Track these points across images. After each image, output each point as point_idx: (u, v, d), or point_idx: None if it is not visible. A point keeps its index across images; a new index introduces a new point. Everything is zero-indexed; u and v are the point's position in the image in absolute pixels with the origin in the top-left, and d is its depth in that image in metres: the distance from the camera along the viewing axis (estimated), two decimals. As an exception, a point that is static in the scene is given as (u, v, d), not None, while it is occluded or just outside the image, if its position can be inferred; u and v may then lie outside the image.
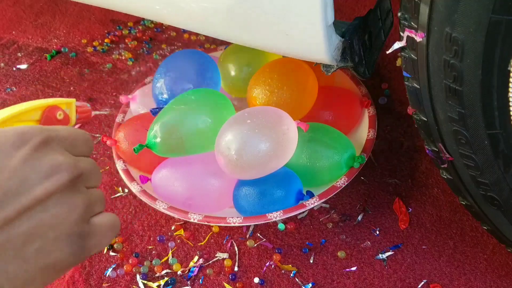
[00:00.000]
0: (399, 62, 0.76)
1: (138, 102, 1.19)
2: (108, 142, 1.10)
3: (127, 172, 1.09)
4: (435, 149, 0.82)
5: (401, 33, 0.72)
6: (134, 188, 1.06)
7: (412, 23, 0.69)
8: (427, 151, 0.85)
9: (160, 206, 1.03)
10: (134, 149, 0.99)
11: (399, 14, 0.72)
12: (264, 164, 0.97)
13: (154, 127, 1.00)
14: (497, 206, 0.83)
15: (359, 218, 1.06)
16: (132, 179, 1.08)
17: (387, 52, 0.77)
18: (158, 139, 0.99)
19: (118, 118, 1.21)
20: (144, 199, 1.05)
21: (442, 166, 0.84)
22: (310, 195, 1.02)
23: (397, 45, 0.74)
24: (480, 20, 0.63)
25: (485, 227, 0.91)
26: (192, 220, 1.01)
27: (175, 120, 1.00)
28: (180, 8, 0.84)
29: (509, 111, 0.70)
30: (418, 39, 0.70)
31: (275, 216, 0.99)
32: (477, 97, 0.69)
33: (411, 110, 0.81)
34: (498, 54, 0.65)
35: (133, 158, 1.09)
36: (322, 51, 0.78)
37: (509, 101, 0.69)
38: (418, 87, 0.76)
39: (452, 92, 0.70)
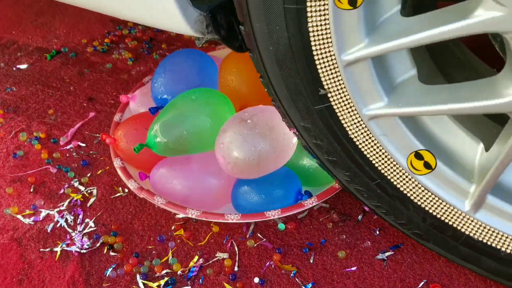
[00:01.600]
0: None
1: (137, 102, 1.19)
2: (107, 140, 1.10)
3: (124, 170, 1.09)
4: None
5: (289, 129, 0.88)
6: (132, 185, 1.06)
7: (288, 123, 0.87)
8: (365, 208, 0.98)
9: (158, 201, 1.02)
10: (134, 149, 0.99)
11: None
12: (264, 164, 0.97)
13: (154, 126, 1.00)
14: (426, 240, 0.90)
15: (359, 218, 1.06)
16: (129, 176, 1.08)
17: (292, 145, 0.99)
18: (158, 139, 0.99)
19: (116, 117, 1.21)
20: (143, 195, 1.04)
21: (376, 217, 0.98)
22: (309, 195, 1.02)
23: (295, 140, 0.97)
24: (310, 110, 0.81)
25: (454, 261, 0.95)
26: (190, 216, 1.00)
27: (176, 120, 0.99)
28: None
29: (374, 166, 0.84)
30: (295, 133, 0.87)
31: (273, 214, 0.99)
32: (347, 162, 0.85)
33: None
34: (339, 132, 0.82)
35: (132, 157, 1.09)
36: (180, 22, 0.79)
37: (366, 162, 0.84)
38: (319, 161, 0.91)
39: (333, 162, 0.86)
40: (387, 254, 1.00)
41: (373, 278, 0.97)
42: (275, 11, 0.70)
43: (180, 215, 1.08)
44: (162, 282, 0.99)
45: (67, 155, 1.23)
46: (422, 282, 0.96)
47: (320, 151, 0.85)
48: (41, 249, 1.05)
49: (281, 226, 1.04)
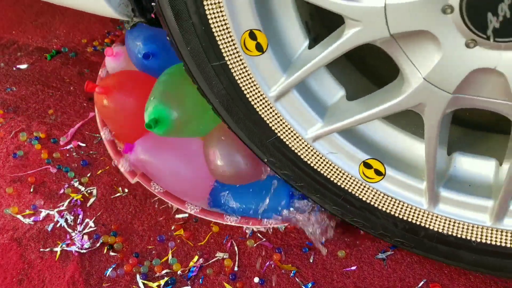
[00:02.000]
0: None
1: (120, 63, 1.14)
2: (97, 90, 1.03)
3: (113, 145, 1.06)
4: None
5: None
6: (124, 166, 1.04)
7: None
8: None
9: (155, 189, 1.01)
10: (148, 123, 0.93)
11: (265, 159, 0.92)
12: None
13: (167, 100, 0.95)
14: (408, 246, 0.93)
15: (359, 217, 1.06)
16: (119, 154, 1.04)
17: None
18: (173, 114, 0.94)
19: (102, 72, 1.17)
20: (137, 179, 1.03)
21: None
22: None
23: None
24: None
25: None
26: (188, 211, 1.00)
27: (189, 96, 0.96)
28: None
29: (334, 183, 0.89)
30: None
31: (271, 222, 1.01)
32: (313, 184, 0.90)
33: None
34: (295, 159, 0.89)
35: (121, 120, 1.05)
36: (103, 6, 0.84)
37: (326, 180, 0.90)
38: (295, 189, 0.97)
39: (302, 188, 0.92)
40: (387, 253, 1.00)
41: (373, 277, 0.97)
42: (207, 70, 0.82)
43: (180, 215, 1.09)
44: (162, 282, 0.99)
45: (67, 155, 1.23)
46: (422, 282, 0.96)
47: (289, 179, 0.92)
48: (41, 249, 1.05)
49: (281, 225, 1.04)
